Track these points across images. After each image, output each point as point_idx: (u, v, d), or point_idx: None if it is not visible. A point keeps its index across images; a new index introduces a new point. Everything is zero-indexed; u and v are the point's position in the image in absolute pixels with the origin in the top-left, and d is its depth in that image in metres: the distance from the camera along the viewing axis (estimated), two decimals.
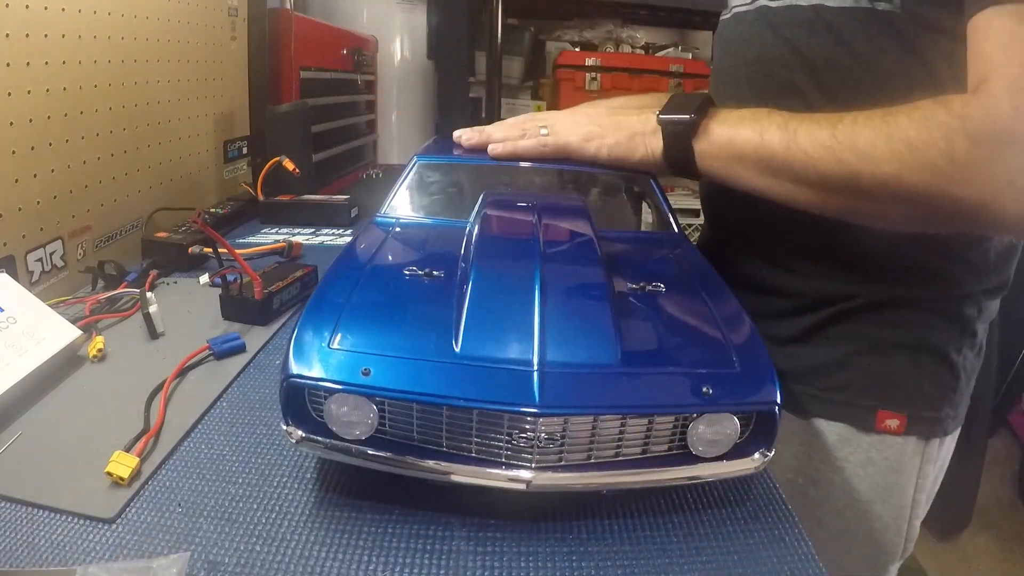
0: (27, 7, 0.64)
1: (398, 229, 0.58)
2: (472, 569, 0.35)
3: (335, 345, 0.38)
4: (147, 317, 0.60)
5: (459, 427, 0.37)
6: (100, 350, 0.56)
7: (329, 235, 0.98)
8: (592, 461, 0.38)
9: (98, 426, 0.46)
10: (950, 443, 0.63)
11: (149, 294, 0.63)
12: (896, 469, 0.60)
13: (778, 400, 0.38)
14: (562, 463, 0.37)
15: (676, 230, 0.61)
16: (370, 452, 0.38)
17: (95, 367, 0.55)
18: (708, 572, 0.36)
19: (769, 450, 0.39)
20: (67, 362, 0.54)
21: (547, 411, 0.35)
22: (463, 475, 0.37)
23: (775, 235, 0.61)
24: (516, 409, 0.35)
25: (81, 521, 0.38)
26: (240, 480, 0.42)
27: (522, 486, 0.36)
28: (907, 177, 0.45)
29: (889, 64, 0.53)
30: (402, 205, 0.62)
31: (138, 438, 0.44)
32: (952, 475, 1.59)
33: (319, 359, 0.37)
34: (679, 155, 0.55)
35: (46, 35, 0.67)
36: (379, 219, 0.60)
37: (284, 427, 0.38)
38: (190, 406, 0.49)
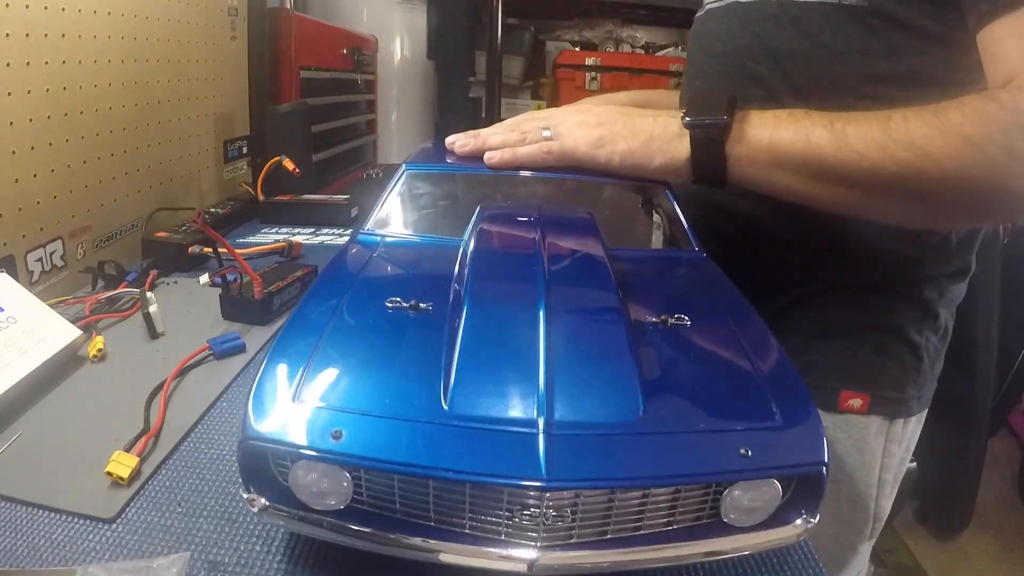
0: (27, 7, 0.64)
1: (383, 249, 0.52)
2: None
3: (302, 399, 0.32)
4: (147, 317, 0.60)
5: (449, 502, 0.31)
6: (100, 350, 0.56)
7: (329, 235, 0.98)
8: (608, 537, 0.32)
9: (98, 426, 0.46)
10: (916, 425, 0.64)
11: (149, 294, 0.63)
12: (861, 448, 0.61)
13: (825, 459, 0.32)
14: (572, 540, 0.32)
15: (696, 248, 0.54)
16: (344, 526, 0.32)
17: (95, 367, 0.55)
18: (708, 571, 0.36)
19: (813, 516, 0.33)
20: (67, 362, 0.54)
21: (555, 485, 0.29)
22: (453, 555, 0.32)
23: (741, 223, 0.62)
24: (518, 483, 0.29)
25: (81, 521, 0.38)
26: (240, 480, 0.41)
27: (523, 567, 0.31)
28: (968, 172, 0.44)
29: (854, 56, 0.54)
30: (389, 220, 0.56)
31: (138, 438, 0.44)
32: (952, 475, 1.59)
33: (283, 417, 0.31)
34: (709, 162, 0.51)
35: (46, 35, 0.67)
36: (362, 236, 0.54)
37: (244, 495, 0.33)
38: (190, 406, 0.49)
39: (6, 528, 0.37)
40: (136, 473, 0.41)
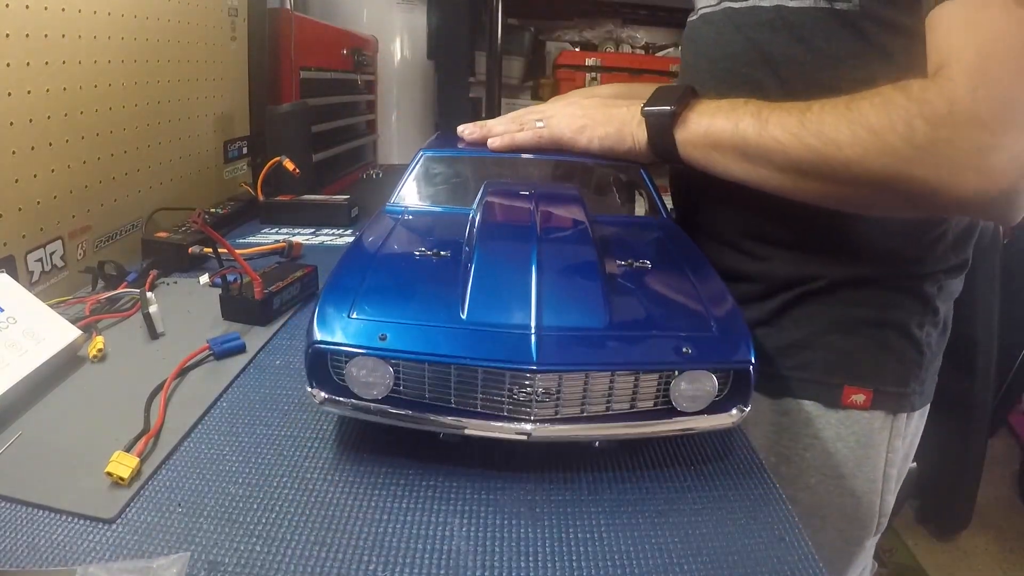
0: (27, 7, 0.64)
1: (407, 217, 0.62)
2: (472, 569, 0.35)
3: (354, 315, 0.42)
4: (147, 317, 0.60)
5: (466, 385, 0.41)
6: (100, 350, 0.56)
7: (329, 235, 0.98)
8: (585, 415, 0.42)
9: (98, 426, 0.46)
10: (919, 420, 0.65)
11: (149, 294, 0.63)
12: (865, 444, 0.62)
13: (752, 360, 0.41)
14: (558, 416, 0.41)
15: (664, 215, 0.64)
16: (387, 410, 0.41)
17: (95, 367, 0.55)
18: (708, 572, 0.36)
19: (746, 406, 0.42)
20: (67, 362, 0.54)
21: (543, 368, 0.39)
22: (471, 428, 0.41)
23: (740, 222, 0.64)
24: (516, 367, 0.39)
25: (81, 521, 0.38)
26: (240, 480, 0.42)
27: (523, 437, 0.40)
28: (869, 160, 0.47)
29: (848, 60, 0.55)
30: (410, 195, 0.66)
31: (138, 438, 0.44)
32: (952, 475, 1.59)
33: (340, 327, 0.41)
34: (662, 144, 0.59)
35: (46, 35, 0.67)
36: (389, 208, 0.64)
37: (308, 389, 0.42)
38: (190, 406, 0.49)
39: (6, 528, 0.37)
40: (136, 473, 0.41)
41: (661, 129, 0.58)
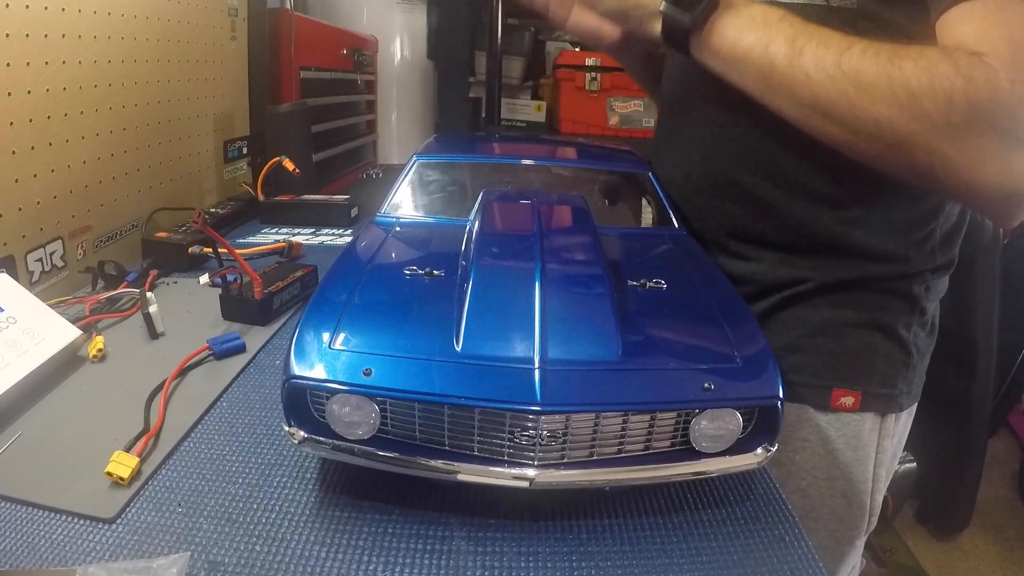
0: (27, 7, 0.64)
1: (398, 228, 0.58)
2: (472, 569, 0.35)
3: (336, 345, 0.38)
4: (147, 317, 0.60)
5: (461, 426, 0.37)
6: (100, 350, 0.56)
7: (329, 235, 0.98)
8: (595, 458, 0.38)
9: (98, 426, 0.46)
10: (906, 419, 0.65)
11: (149, 294, 0.63)
12: (855, 446, 0.61)
13: (780, 395, 0.37)
14: (564, 460, 0.37)
15: (677, 225, 0.61)
16: (372, 452, 0.38)
17: (95, 367, 0.55)
18: (708, 572, 0.36)
19: (772, 445, 0.39)
20: (67, 362, 0.55)
21: (549, 409, 0.35)
22: (466, 474, 0.37)
23: (726, 223, 0.63)
24: (518, 407, 0.35)
25: (81, 521, 0.38)
26: (240, 480, 0.42)
27: (525, 484, 0.37)
28: (900, 122, 0.45)
29: None
30: (402, 204, 0.62)
31: (138, 438, 0.44)
32: (952, 475, 1.59)
33: (320, 360, 0.37)
34: (676, 43, 0.55)
35: (46, 35, 0.67)
36: (379, 218, 0.60)
37: (286, 428, 0.38)
38: (190, 406, 0.49)
39: (6, 528, 0.37)
40: (136, 473, 0.41)
41: (678, 32, 0.53)
